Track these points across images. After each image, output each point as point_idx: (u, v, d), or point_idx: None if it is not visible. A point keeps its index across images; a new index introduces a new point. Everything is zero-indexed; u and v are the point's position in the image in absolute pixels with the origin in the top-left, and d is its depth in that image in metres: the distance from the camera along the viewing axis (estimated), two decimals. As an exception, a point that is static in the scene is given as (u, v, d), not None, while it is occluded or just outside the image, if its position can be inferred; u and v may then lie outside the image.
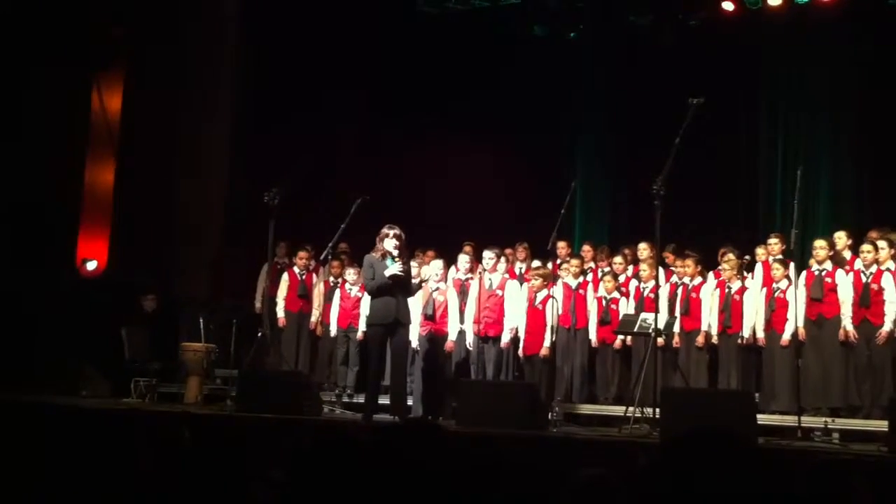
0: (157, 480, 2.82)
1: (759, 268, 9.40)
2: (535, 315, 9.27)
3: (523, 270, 10.22)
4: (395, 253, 8.17)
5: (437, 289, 9.17)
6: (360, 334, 9.90)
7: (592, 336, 9.53)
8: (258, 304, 10.70)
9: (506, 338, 9.29)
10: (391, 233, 8.23)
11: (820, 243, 8.83)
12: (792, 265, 8.71)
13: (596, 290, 9.70)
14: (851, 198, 11.34)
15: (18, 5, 11.27)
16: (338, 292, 10.21)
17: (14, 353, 10.49)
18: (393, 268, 8.15)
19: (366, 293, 9.06)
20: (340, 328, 10.16)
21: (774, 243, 9.19)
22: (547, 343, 9.13)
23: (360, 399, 9.35)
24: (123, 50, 12.18)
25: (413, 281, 8.47)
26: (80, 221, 11.94)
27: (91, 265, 11.89)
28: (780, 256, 8.99)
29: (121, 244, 12.07)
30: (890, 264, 8.49)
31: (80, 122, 12.00)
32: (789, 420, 7.97)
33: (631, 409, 7.72)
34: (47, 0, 11.31)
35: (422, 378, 9.03)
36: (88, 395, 10.12)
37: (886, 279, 8.41)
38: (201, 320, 10.36)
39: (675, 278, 9.44)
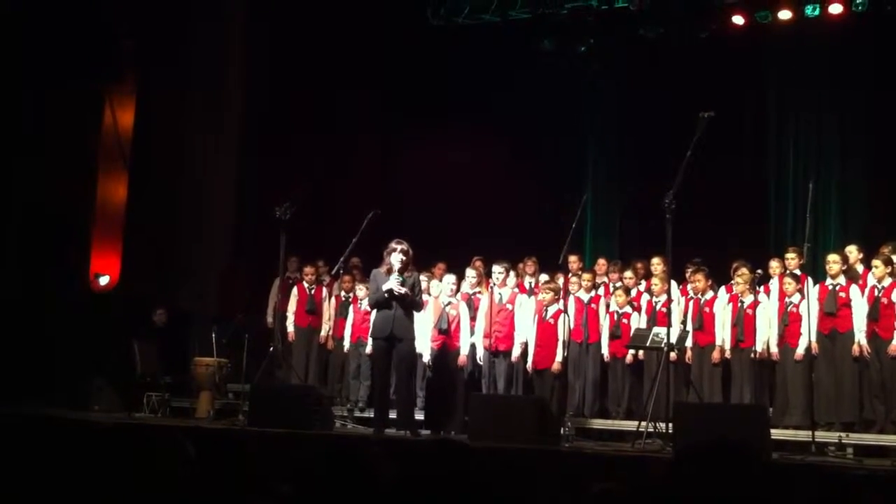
0: (164, 495, 2.81)
1: (774, 282, 9.36)
2: (546, 329, 9.25)
3: (533, 284, 10.21)
4: (398, 267, 8.14)
5: (450, 303, 9.16)
6: (369, 349, 9.89)
7: (604, 350, 9.51)
8: (269, 319, 10.72)
9: (516, 352, 9.27)
10: (398, 248, 8.22)
11: (833, 257, 8.81)
12: (810, 280, 8.67)
13: (608, 304, 9.67)
14: (863, 211, 11.30)
15: (29, 20, 11.35)
16: (351, 307, 10.22)
17: (27, 368, 10.52)
18: (390, 282, 8.13)
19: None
20: (351, 342, 10.17)
21: (792, 258, 9.14)
22: (559, 358, 9.10)
23: (372, 413, 9.34)
24: (134, 63, 12.25)
25: (417, 297, 8.41)
26: (92, 236, 11.98)
27: (103, 280, 11.93)
28: (797, 271, 8.95)
29: (133, 259, 12.11)
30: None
31: (92, 136, 12.06)
32: (803, 435, 7.92)
33: (643, 423, 7.68)
34: (57, 14, 11.39)
35: (433, 392, 9.01)
36: (100, 409, 10.15)
37: (899, 293, 8.37)
38: (213, 335, 10.38)
39: (690, 293, 9.42)
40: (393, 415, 8.56)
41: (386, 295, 8.11)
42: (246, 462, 3.10)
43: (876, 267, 8.53)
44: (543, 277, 10.05)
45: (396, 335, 8.17)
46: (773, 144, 11.98)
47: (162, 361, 10.50)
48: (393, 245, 8.26)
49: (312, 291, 10.52)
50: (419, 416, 8.89)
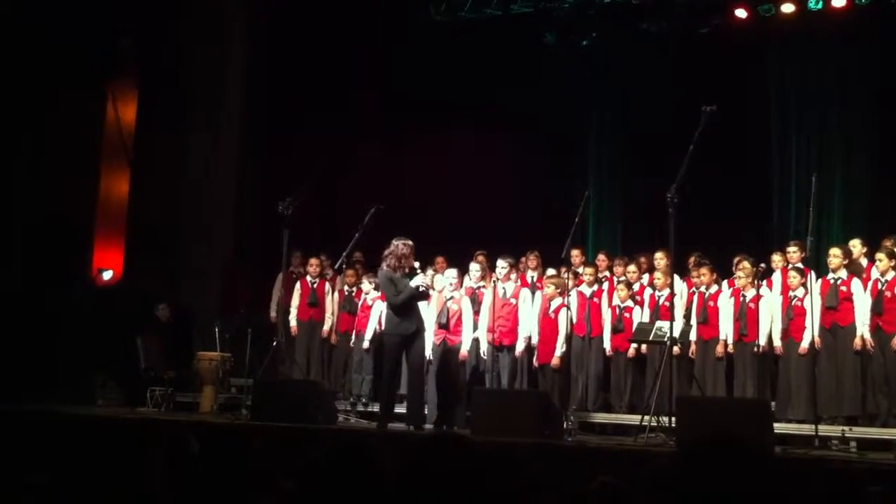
0: (168, 490, 2.82)
1: (776, 275, 9.35)
2: (549, 324, 9.25)
3: (535, 279, 10.21)
4: (417, 265, 8.29)
5: (452, 297, 9.17)
6: (366, 343, 9.89)
7: (607, 345, 9.51)
8: (273, 314, 10.74)
9: (520, 346, 9.28)
10: (411, 243, 8.31)
11: (834, 251, 8.79)
12: (812, 273, 8.67)
13: (610, 298, 9.67)
14: (866, 205, 11.29)
15: (31, 19, 11.35)
16: (360, 302, 10.21)
17: (31, 363, 10.54)
18: (418, 279, 8.25)
19: (381, 303, 9.11)
20: (355, 336, 10.18)
21: (794, 251, 9.13)
22: (558, 353, 9.10)
23: (376, 408, 9.36)
24: (135, 61, 12.26)
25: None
26: (95, 232, 12.01)
27: (106, 275, 11.95)
28: (799, 264, 8.94)
29: (135, 254, 12.13)
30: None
31: (95, 133, 12.08)
32: (806, 429, 7.91)
33: (646, 417, 7.69)
34: (59, 13, 11.38)
35: (436, 387, 9.02)
36: (105, 404, 10.17)
37: (902, 287, 8.35)
38: (216, 329, 10.39)
39: (694, 287, 9.42)
40: (400, 409, 8.57)
41: (418, 292, 8.26)
42: (249, 456, 3.11)
43: (880, 260, 8.51)
44: (550, 272, 10.04)
45: (421, 329, 8.34)
46: (776, 138, 11.96)
47: (165, 356, 10.51)
48: (409, 245, 8.32)
49: (315, 285, 10.52)
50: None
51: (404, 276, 8.29)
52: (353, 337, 10.17)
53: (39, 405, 8.88)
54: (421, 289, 8.29)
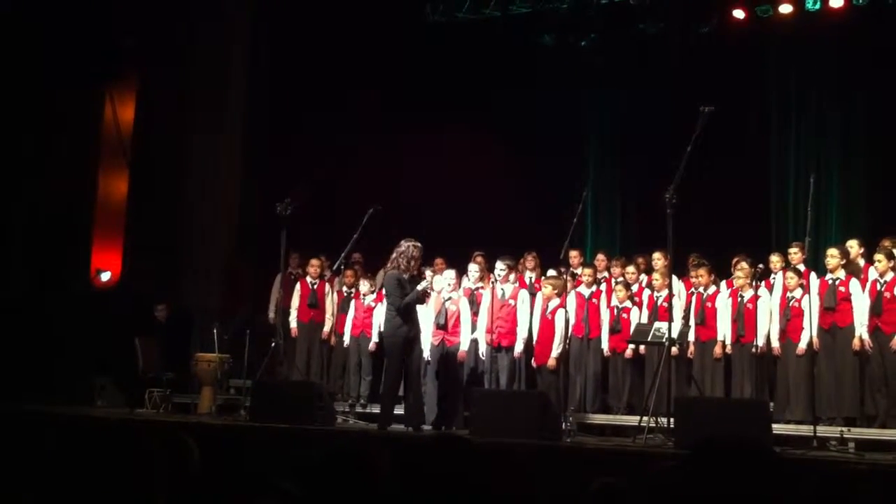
0: (166, 492, 2.82)
1: (777, 276, 9.35)
2: (547, 325, 9.26)
3: (533, 280, 10.22)
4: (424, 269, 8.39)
5: (450, 298, 9.17)
6: (372, 345, 9.90)
7: (605, 346, 9.51)
8: (272, 315, 10.73)
9: (518, 347, 9.28)
10: (420, 246, 8.33)
11: (832, 252, 8.80)
12: (813, 274, 8.66)
13: (609, 299, 9.67)
14: (864, 206, 11.30)
15: (31, 19, 11.35)
16: (353, 302, 10.22)
17: (29, 364, 10.54)
18: (424, 284, 8.31)
19: (382, 305, 9.13)
20: (353, 337, 10.18)
21: (795, 252, 9.13)
22: (555, 354, 9.10)
23: (374, 409, 9.35)
24: (135, 61, 12.26)
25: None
26: (93, 233, 12.00)
27: (105, 276, 11.95)
28: (801, 266, 8.94)
29: (134, 255, 12.13)
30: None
31: (93, 133, 12.08)
32: (804, 429, 7.92)
33: (645, 418, 7.69)
34: (59, 13, 11.38)
35: (434, 388, 9.03)
36: (104, 405, 10.17)
37: (900, 287, 8.36)
38: (215, 331, 10.39)
39: (692, 287, 9.43)
40: (399, 410, 8.58)
41: (420, 294, 8.33)
42: (248, 457, 3.11)
43: (878, 261, 8.52)
44: (551, 273, 10.04)
45: (419, 332, 8.44)
46: (774, 139, 11.96)
47: (164, 358, 10.51)
48: (419, 247, 8.35)
49: (315, 286, 10.51)
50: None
51: (412, 279, 8.31)
52: (349, 338, 10.17)
53: (38, 406, 8.88)
54: (428, 290, 8.35)
